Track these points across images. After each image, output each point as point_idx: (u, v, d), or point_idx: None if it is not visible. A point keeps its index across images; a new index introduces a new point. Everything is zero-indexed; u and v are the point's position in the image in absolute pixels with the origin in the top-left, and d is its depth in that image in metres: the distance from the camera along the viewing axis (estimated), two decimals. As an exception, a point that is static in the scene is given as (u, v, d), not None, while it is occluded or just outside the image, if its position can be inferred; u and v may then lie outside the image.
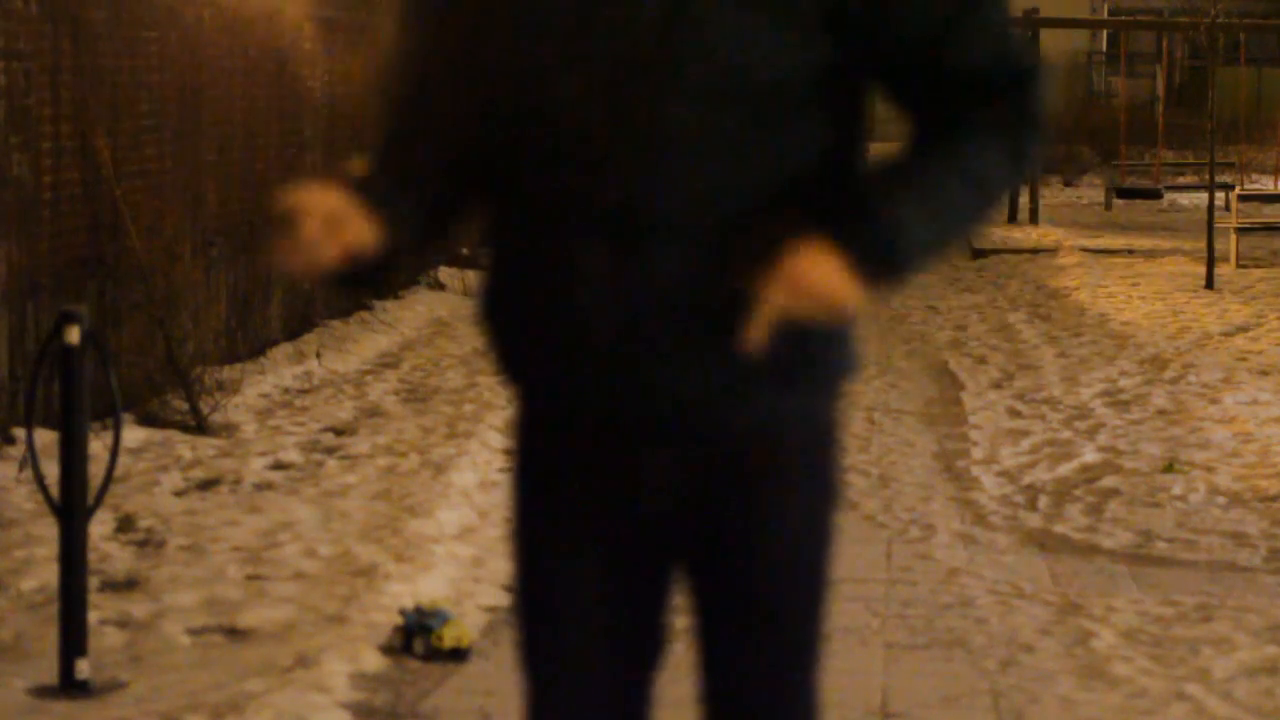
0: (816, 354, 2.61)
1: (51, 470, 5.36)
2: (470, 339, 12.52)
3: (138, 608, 5.99)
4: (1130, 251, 18.79)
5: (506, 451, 2.85)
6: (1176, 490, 8.01)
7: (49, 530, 6.06)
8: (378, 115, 2.79)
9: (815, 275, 2.41)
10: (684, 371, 2.55)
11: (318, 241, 2.55)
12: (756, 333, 2.45)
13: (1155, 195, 24.29)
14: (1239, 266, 17.08)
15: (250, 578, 6.36)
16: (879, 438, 9.28)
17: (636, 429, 2.61)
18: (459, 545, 6.76)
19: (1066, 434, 9.32)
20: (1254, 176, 26.49)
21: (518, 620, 2.80)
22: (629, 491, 2.65)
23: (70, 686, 5.14)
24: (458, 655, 5.54)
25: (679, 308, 2.53)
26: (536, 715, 2.82)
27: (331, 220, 2.55)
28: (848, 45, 2.55)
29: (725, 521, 2.65)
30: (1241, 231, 17.72)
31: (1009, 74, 2.57)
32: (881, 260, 2.46)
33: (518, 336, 2.65)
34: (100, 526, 6.80)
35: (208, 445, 8.70)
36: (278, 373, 10.70)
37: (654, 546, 2.70)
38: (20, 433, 7.77)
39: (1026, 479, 8.30)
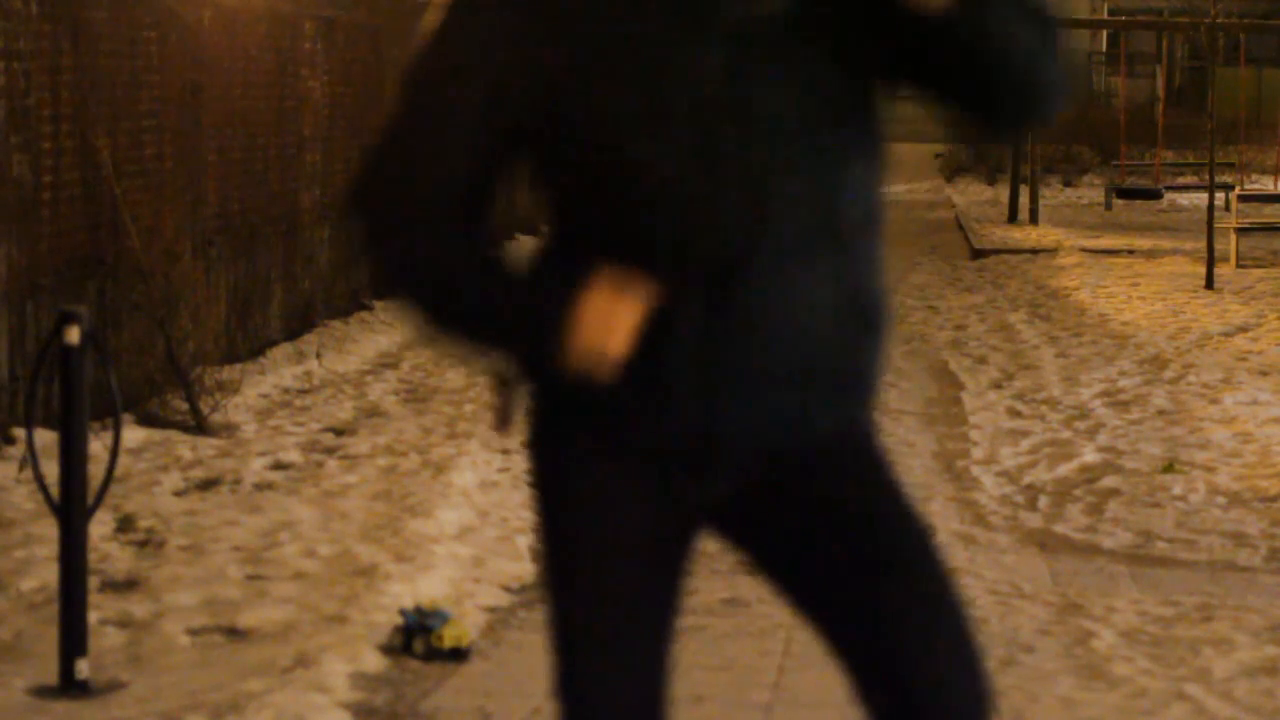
0: (869, 374, 2.69)
1: (51, 470, 5.36)
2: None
3: (138, 608, 5.99)
4: (1130, 251, 18.80)
5: (530, 472, 2.82)
6: (1176, 490, 8.01)
7: (49, 530, 6.06)
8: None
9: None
10: (762, 408, 2.60)
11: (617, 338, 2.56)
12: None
13: (1155, 195, 24.31)
14: (1239, 266, 17.08)
15: (250, 578, 6.36)
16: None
17: (698, 458, 2.66)
18: (459, 545, 6.76)
19: (1066, 434, 9.32)
20: (1254, 176, 26.51)
21: (567, 638, 2.83)
22: (680, 505, 2.70)
23: (70, 686, 5.14)
24: (458, 655, 5.55)
25: (767, 344, 2.58)
26: (579, 695, 2.84)
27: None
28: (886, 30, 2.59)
29: (803, 498, 2.70)
30: (1241, 231, 17.73)
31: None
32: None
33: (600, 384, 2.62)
34: (100, 526, 6.80)
35: (208, 445, 8.70)
36: (278, 373, 10.70)
37: (690, 541, 2.75)
38: (20, 433, 7.78)
39: (1026, 479, 8.30)
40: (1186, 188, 24.95)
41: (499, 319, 2.63)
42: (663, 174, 2.56)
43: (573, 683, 2.82)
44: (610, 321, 2.53)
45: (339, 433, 9.16)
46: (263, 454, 8.53)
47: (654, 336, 2.58)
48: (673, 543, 2.75)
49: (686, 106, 2.55)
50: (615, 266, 2.58)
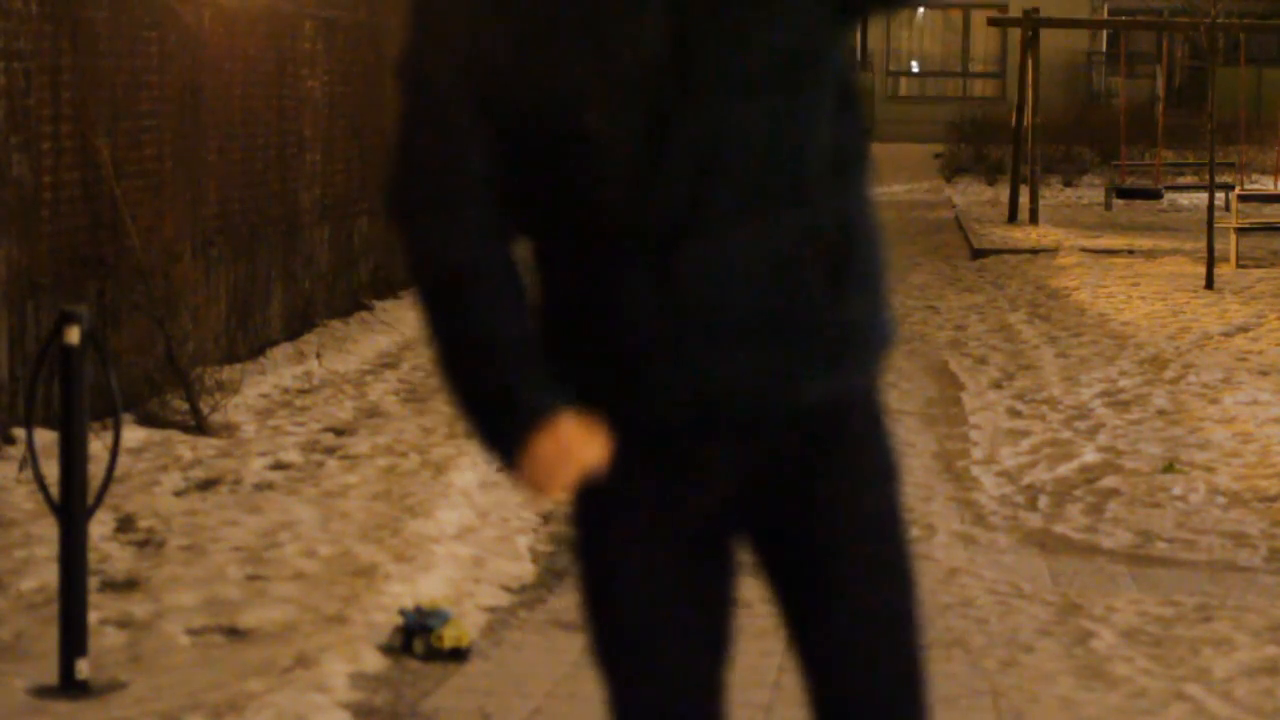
0: (860, 332, 2.67)
1: (51, 470, 5.36)
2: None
3: (138, 608, 5.99)
4: (1130, 251, 18.79)
5: None
6: (1176, 490, 8.01)
7: (49, 530, 6.06)
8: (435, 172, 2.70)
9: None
10: (739, 366, 2.60)
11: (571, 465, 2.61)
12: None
13: (1155, 195, 24.29)
14: (1239, 266, 17.08)
15: (250, 578, 6.36)
16: (879, 438, 9.27)
17: (698, 427, 2.65)
18: (459, 545, 6.76)
19: (1066, 434, 9.32)
20: (1254, 176, 26.50)
21: (597, 629, 2.79)
22: (695, 485, 2.70)
23: (70, 686, 5.14)
24: (458, 655, 5.54)
25: (730, 307, 2.58)
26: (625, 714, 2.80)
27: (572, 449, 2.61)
28: None
29: (795, 499, 2.70)
30: (1241, 231, 17.73)
31: None
32: None
33: (576, 358, 2.66)
34: (100, 526, 6.80)
35: (208, 445, 8.70)
36: (278, 373, 10.70)
37: (721, 533, 2.75)
38: (20, 433, 7.78)
39: (1026, 479, 8.30)
40: (1186, 188, 24.94)
41: (490, 399, 2.65)
42: (610, 142, 2.56)
43: (616, 692, 2.79)
44: (562, 461, 2.58)
45: (339, 433, 9.16)
46: (263, 454, 8.53)
47: (613, 308, 2.59)
48: (687, 531, 2.74)
49: (631, 75, 2.56)
50: (566, 243, 2.60)
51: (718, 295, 2.57)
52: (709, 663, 2.80)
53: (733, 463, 2.69)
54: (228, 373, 9.81)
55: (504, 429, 2.63)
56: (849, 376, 2.69)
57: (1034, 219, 22.08)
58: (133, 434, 8.56)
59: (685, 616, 2.75)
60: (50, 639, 5.31)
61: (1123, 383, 10.89)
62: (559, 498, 2.65)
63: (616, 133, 2.56)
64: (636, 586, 2.74)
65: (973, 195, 27.33)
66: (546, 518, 7.47)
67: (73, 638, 5.16)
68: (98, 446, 6.09)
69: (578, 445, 2.59)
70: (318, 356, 11.25)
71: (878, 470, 2.74)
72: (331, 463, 8.36)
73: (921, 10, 40.25)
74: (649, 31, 2.55)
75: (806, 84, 2.61)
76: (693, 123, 2.56)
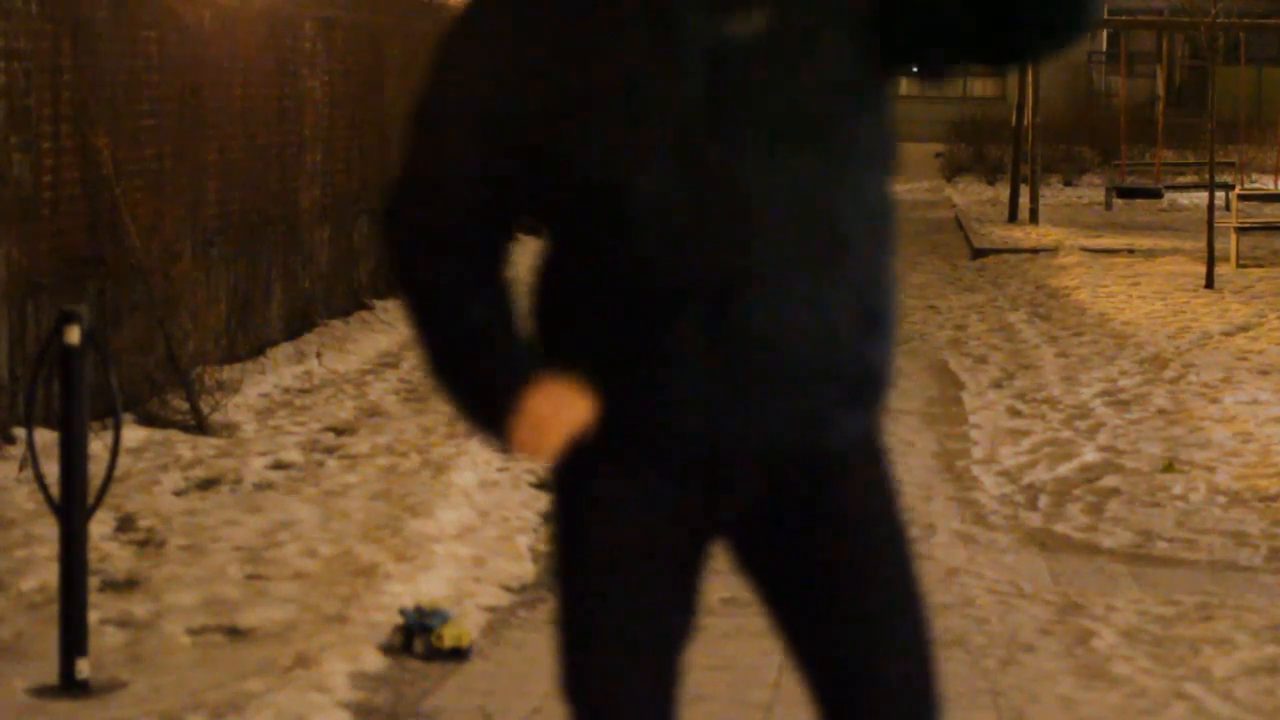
0: (879, 374, 2.72)
1: (51, 470, 5.36)
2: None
3: (138, 607, 5.99)
4: (1130, 251, 18.80)
5: (555, 485, 2.87)
6: (1177, 490, 8.01)
7: (49, 530, 6.06)
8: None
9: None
10: (778, 411, 2.64)
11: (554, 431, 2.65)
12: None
13: (1155, 195, 24.31)
14: (1239, 266, 17.08)
15: (250, 577, 6.36)
16: (879, 437, 9.27)
17: (716, 470, 2.70)
18: (459, 545, 6.76)
19: (1067, 434, 9.32)
20: (1254, 176, 26.50)
21: (575, 638, 2.80)
22: (697, 516, 2.75)
23: (70, 686, 5.14)
24: (458, 655, 5.55)
25: (779, 358, 2.62)
26: (590, 701, 2.82)
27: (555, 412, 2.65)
28: (887, 24, 2.63)
29: (800, 524, 2.74)
30: (1241, 231, 17.73)
31: None
32: None
33: (607, 387, 2.68)
34: (100, 526, 6.80)
35: (208, 445, 8.70)
36: (278, 372, 10.70)
37: (705, 550, 2.79)
38: (20, 432, 7.78)
39: (1026, 478, 8.30)
40: (1186, 187, 24.94)
41: (475, 379, 2.71)
42: (649, 200, 2.58)
43: (580, 685, 2.80)
44: (549, 422, 2.63)
45: (339, 432, 9.16)
46: (263, 454, 8.53)
47: (658, 355, 2.62)
48: (683, 552, 2.77)
49: (668, 133, 2.57)
50: (612, 290, 2.64)
51: (767, 347, 2.61)
52: (673, 658, 2.84)
53: (745, 490, 2.73)
54: (228, 372, 9.81)
55: (488, 408, 2.69)
56: (866, 416, 2.74)
57: (1034, 218, 22.08)
58: (133, 434, 8.56)
59: (662, 611, 2.79)
60: (50, 639, 5.31)
61: (1123, 382, 10.89)
62: (551, 458, 2.70)
63: (655, 192, 2.58)
64: (611, 582, 2.77)
65: (973, 195, 27.34)
66: (547, 517, 7.48)
67: (73, 637, 5.16)
68: (98, 446, 6.09)
69: (562, 408, 2.63)
70: (318, 356, 11.25)
71: (882, 494, 2.78)
72: (332, 462, 8.36)
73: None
74: (686, 93, 2.57)
75: (843, 140, 2.63)
76: (731, 180, 2.57)
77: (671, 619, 2.80)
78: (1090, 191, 27.45)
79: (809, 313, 2.61)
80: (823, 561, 2.74)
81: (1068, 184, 28.67)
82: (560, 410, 2.64)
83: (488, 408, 2.69)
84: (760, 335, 2.60)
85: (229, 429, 9.08)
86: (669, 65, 2.57)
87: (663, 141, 2.57)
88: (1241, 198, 18.97)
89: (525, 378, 2.65)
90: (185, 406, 9.13)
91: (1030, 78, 22.84)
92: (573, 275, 2.69)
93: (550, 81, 2.61)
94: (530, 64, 2.62)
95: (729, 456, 2.68)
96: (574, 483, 2.77)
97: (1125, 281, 16.10)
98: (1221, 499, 7.84)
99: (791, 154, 2.58)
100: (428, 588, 6.10)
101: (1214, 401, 10.13)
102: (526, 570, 6.60)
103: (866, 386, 2.71)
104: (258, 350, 11.11)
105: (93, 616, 5.43)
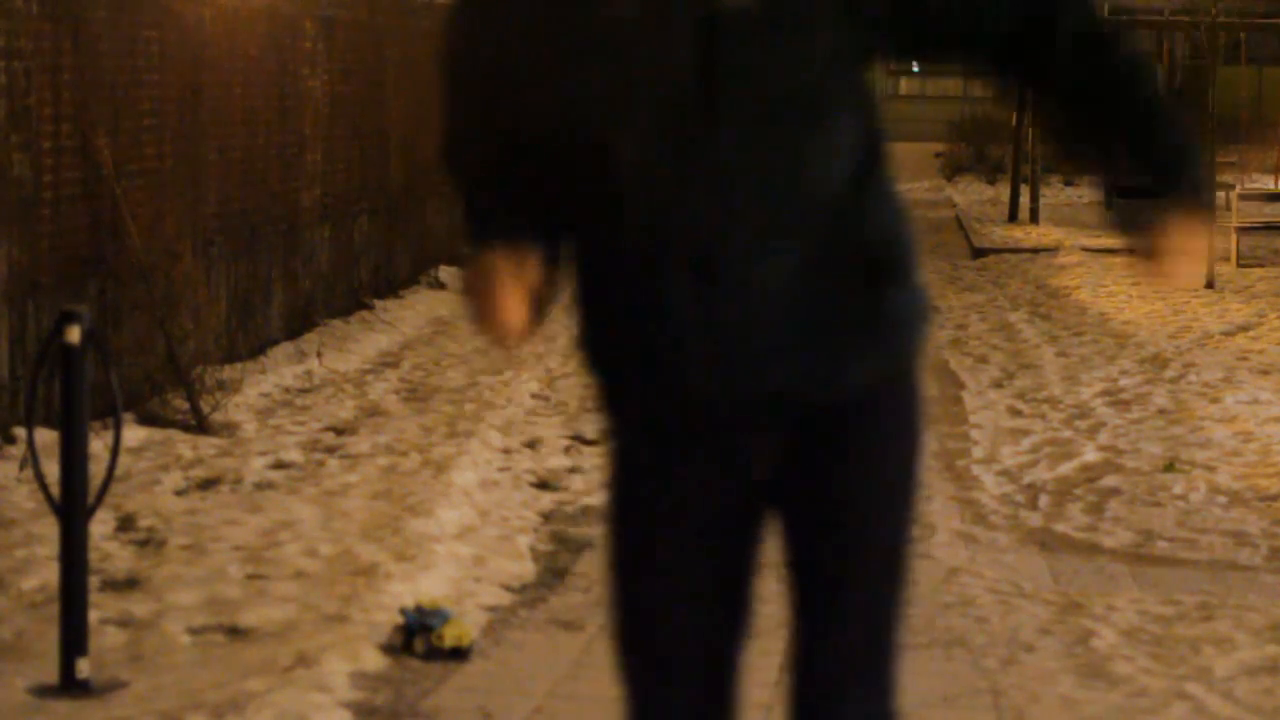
0: (896, 320, 2.77)
1: (52, 470, 5.36)
2: (470, 338, 12.52)
3: (138, 607, 5.98)
4: (1131, 251, 18.77)
5: (607, 442, 2.92)
6: (1177, 489, 8.01)
7: (49, 530, 6.05)
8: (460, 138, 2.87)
9: (1182, 237, 2.73)
10: (778, 367, 2.69)
11: (508, 310, 2.67)
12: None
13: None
14: (1239, 266, 17.08)
15: (251, 577, 6.35)
16: (879, 437, 9.27)
17: (739, 423, 2.75)
18: (459, 545, 6.76)
19: (1067, 433, 9.32)
20: (1254, 176, 26.50)
21: (620, 596, 2.86)
22: (734, 470, 2.79)
23: (71, 686, 5.14)
24: (458, 654, 5.54)
25: (766, 321, 2.66)
26: (640, 690, 2.86)
27: (512, 287, 2.67)
28: (885, 32, 2.68)
29: (825, 478, 2.79)
30: (1242, 230, 17.73)
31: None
32: (1210, 194, 2.79)
33: (619, 362, 2.77)
34: (101, 526, 6.79)
35: (208, 445, 8.70)
36: (278, 372, 10.69)
37: (753, 510, 2.83)
38: (21, 432, 7.78)
39: (1027, 478, 8.30)
40: (1187, 187, 24.88)
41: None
42: (632, 161, 2.64)
43: (628, 679, 2.86)
44: (491, 299, 2.65)
45: (339, 432, 9.16)
46: (263, 453, 8.53)
47: (654, 314, 2.68)
48: (720, 510, 2.81)
49: (654, 99, 2.62)
50: (605, 256, 2.71)
51: (754, 311, 2.66)
52: (727, 637, 2.86)
53: (769, 449, 2.78)
54: (228, 372, 9.81)
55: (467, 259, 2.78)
56: (887, 361, 2.79)
57: (1034, 218, 22.09)
58: (133, 433, 8.56)
59: (708, 589, 2.82)
60: (51, 638, 5.31)
61: (1123, 382, 10.89)
62: (496, 339, 2.71)
63: (639, 159, 2.64)
64: (663, 556, 2.81)
65: (973, 194, 27.34)
66: (547, 517, 7.48)
67: (73, 637, 5.15)
68: (98, 446, 6.09)
69: (499, 285, 2.65)
70: (318, 356, 11.25)
71: (903, 447, 2.86)
72: (332, 462, 8.36)
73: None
74: (676, 59, 2.60)
75: (827, 114, 2.67)
76: (717, 149, 2.62)
77: (717, 591, 2.83)
78: (1090, 191, 27.44)
79: (794, 275, 2.66)
80: (827, 497, 2.80)
81: (1068, 184, 28.67)
82: (493, 288, 2.65)
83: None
84: (745, 300, 2.65)
85: (229, 429, 9.08)
86: (660, 32, 2.61)
87: (648, 107, 2.62)
88: (1242, 197, 18.97)
89: (483, 245, 2.70)
90: (185, 406, 9.13)
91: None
92: (585, 240, 2.76)
93: (549, 39, 2.66)
94: (532, 21, 2.67)
95: (737, 413, 2.73)
96: (620, 452, 2.84)
97: (1125, 281, 16.10)
98: (1222, 498, 7.84)
99: (775, 126, 2.62)
100: (428, 587, 6.10)
101: (1214, 401, 10.13)
102: (526, 570, 6.60)
103: (882, 334, 2.75)
104: (258, 350, 11.11)
105: (93, 616, 5.43)
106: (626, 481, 2.84)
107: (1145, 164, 2.74)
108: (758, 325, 2.66)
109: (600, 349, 2.79)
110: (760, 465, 2.80)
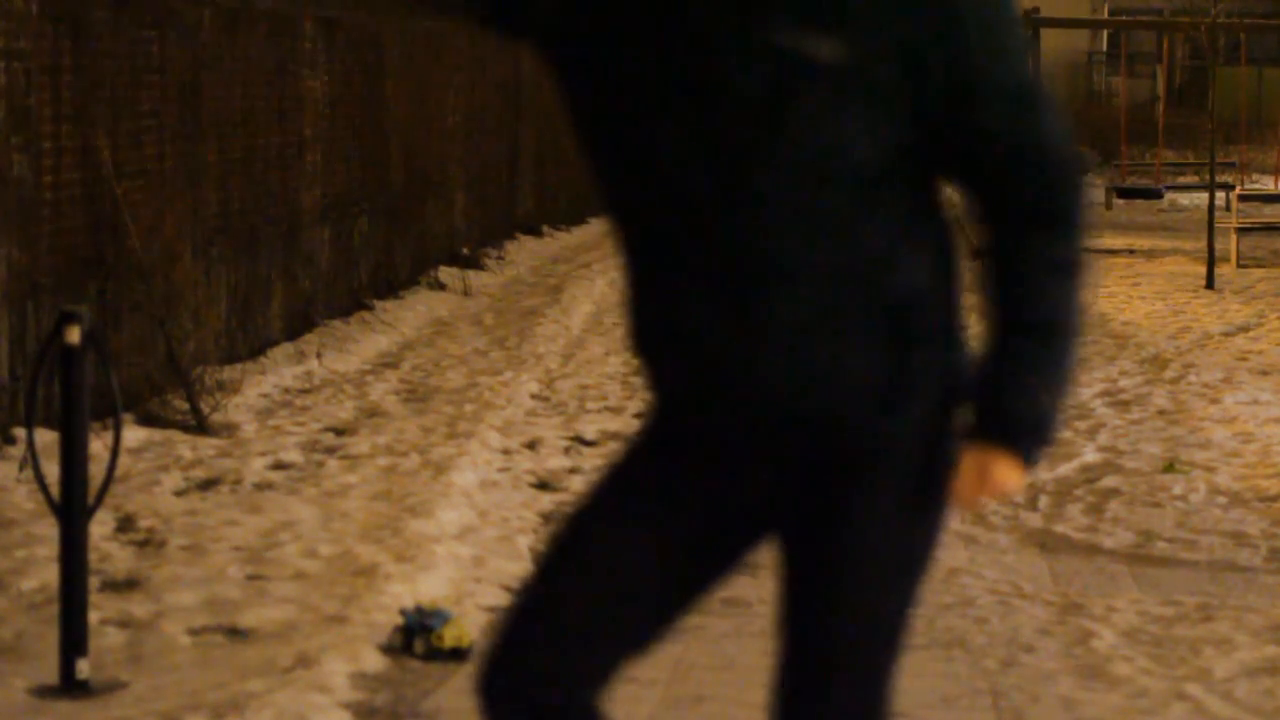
0: (915, 382, 2.73)
1: (52, 470, 5.36)
2: (470, 339, 12.52)
3: (138, 607, 5.98)
4: (1130, 251, 18.80)
5: (635, 434, 2.95)
6: (1177, 490, 8.01)
7: (49, 530, 6.05)
8: None
9: (995, 477, 2.73)
10: (789, 399, 2.69)
11: None
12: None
13: (1155, 195, 24.31)
14: (1239, 266, 17.08)
15: (251, 578, 6.35)
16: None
17: (743, 444, 2.76)
18: (459, 545, 6.76)
19: (1067, 434, 9.32)
20: (1254, 176, 26.51)
21: (563, 526, 2.88)
22: (730, 482, 2.80)
23: (71, 686, 5.14)
24: (458, 655, 5.54)
25: (782, 346, 2.66)
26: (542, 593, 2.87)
27: None
28: (923, 129, 2.66)
29: (816, 518, 2.78)
30: (1242, 231, 17.73)
31: (1045, 169, 2.71)
32: (1038, 448, 2.75)
33: (649, 346, 2.80)
34: (100, 526, 6.79)
35: (208, 445, 8.70)
36: (278, 373, 10.69)
37: (733, 531, 2.84)
38: (20, 433, 7.77)
39: (1027, 479, 8.29)
40: (1187, 187, 24.95)
41: None
42: (681, 179, 2.64)
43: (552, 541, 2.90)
44: None
45: (339, 432, 9.16)
46: (263, 454, 8.52)
47: (680, 327, 2.70)
48: (712, 510, 2.82)
49: (714, 117, 2.62)
50: (638, 251, 2.75)
51: (771, 344, 2.66)
52: (642, 621, 2.85)
53: (763, 479, 2.79)
54: (228, 372, 9.81)
55: None
56: (898, 423, 2.74)
57: (1034, 219, 22.04)
58: (133, 434, 8.56)
59: (652, 566, 2.81)
60: (50, 639, 5.31)
61: (1123, 382, 10.89)
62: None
63: (681, 173, 2.64)
64: (627, 514, 2.83)
65: (973, 195, 27.30)
66: (547, 518, 7.47)
67: (73, 637, 5.15)
68: (98, 446, 6.09)
69: None
70: (318, 356, 11.24)
71: (905, 503, 2.78)
72: (332, 462, 8.36)
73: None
74: (741, 91, 2.61)
75: (880, 180, 2.65)
76: (751, 183, 2.62)
77: (643, 575, 2.81)
78: (1090, 191, 27.44)
79: (819, 319, 2.65)
80: (818, 556, 2.79)
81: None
82: None
83: None
84: (765, 329, 2.65)
85: (229, 429, 9.08)
86: (736, 56, 2.61)
87: (705, 137, 2.62)
88: (1242, 198, 18.98)
89: None
90: (185, 406, 9.13)
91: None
92: (623, 243, 2.79)
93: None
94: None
95: (733, 431, 2.75)
96: (641, 429, 2.89)
97: (1125, 282, 16.10)
98: (1222, 499, 7.84)
99: (815, 185, 2.62)
100: (428, 588, 6.10)
101: (1214, 402, 10.14)
102: (527, 570, 6.59)
103: (897, 393, 2.71)
104: (258, 350, 11.11)
105: (93, 616, 5.43)
106: (633, 444, 2.88)
107: (981, 380, 2.71)
108: (772, 358, 2.66)
109: (633, 333, 2.83)
110: (752, 490, 2.80)
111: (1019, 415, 2.69)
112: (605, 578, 2.80)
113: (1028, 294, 2.70)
